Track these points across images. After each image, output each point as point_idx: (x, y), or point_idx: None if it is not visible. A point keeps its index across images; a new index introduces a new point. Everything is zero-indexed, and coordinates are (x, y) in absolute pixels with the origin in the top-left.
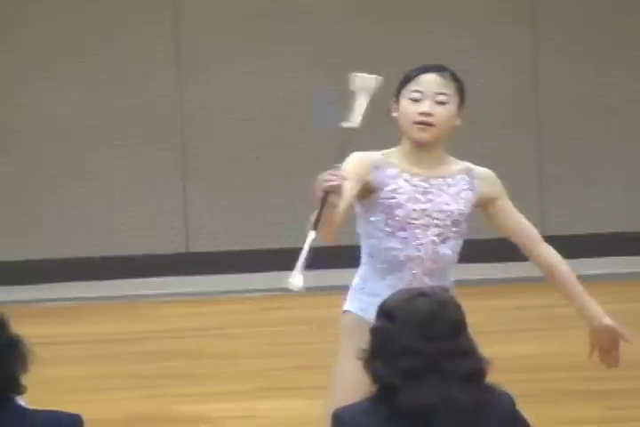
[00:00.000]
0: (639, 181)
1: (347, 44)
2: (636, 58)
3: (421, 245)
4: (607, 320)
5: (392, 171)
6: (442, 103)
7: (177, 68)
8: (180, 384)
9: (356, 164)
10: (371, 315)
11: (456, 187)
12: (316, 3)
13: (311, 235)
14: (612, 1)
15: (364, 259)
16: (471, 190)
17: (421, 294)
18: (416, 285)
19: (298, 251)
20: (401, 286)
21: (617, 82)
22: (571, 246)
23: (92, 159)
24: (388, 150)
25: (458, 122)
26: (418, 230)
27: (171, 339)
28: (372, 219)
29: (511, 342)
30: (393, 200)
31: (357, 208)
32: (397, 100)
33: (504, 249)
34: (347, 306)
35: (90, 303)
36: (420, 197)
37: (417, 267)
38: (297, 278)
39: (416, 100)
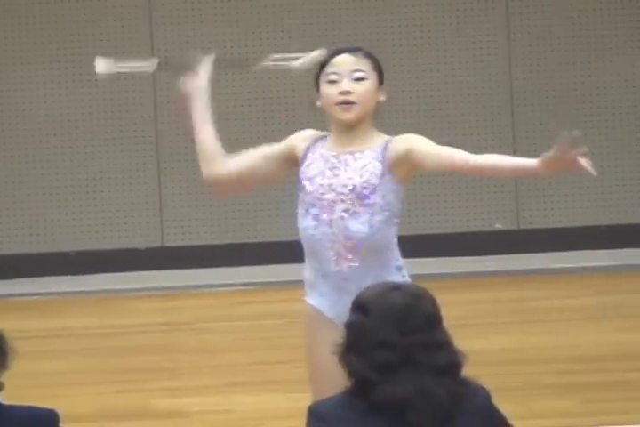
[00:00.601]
0: (614, 174)
1: (322, 33)
2: (610, 50)
3: (331, 221)
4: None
5: (315, 147)
6: (359, 79)
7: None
8: (155, 379)
9: (291, 139)
10: (316, 304)
11: (362, 160)
12: None
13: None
14: None
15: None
16: (380, 161)
17: (395, 287)
18: (341, 264)
19: (272, 245)
20: (325, 267)
21: (591, 74)
22: (547, 240)
23: (67, 154)
24: (325, 133)
25: (382, 97)
26: (326, 207)
27: (145, 333)
28: (299, 199)
29: (488, 335)
30: (305, 175)
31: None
32: (318, 89)
33: (479, 243)
34: (305, 295)
35: (65, 298)
36: (328, 172)
37: (335, 245)
38: (105, 64)
39: (334, 82)
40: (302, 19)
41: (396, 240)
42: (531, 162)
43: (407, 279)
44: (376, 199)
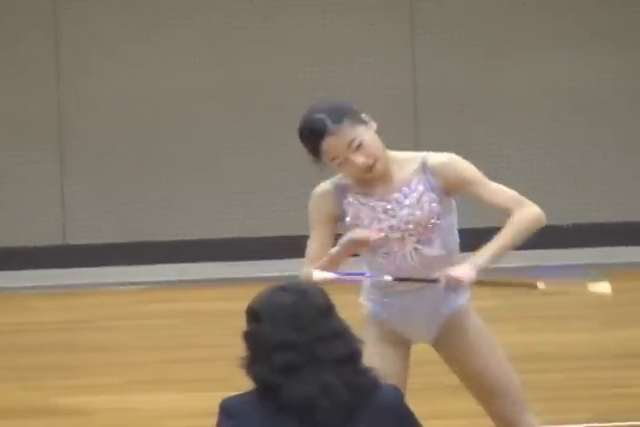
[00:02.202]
0: (533, 175)
1: (232, 36)
2: (515, 52)
3: (404, 255)
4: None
5: (348, 197)
6: (359, 145)
7: (55, 63)
8: (55, 376)
9: (316, 208)
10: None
11: (415, 193)
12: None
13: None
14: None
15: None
16: (432, 190)
17: (280, 289)
18: (412, 288)
19: (175, 244)
20: (394, 292)
21: (497, 76)
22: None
23: None
24: (340, 176)
25: (374, 127)
26: (395, 244)
27: (46, 331)
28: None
29: None
30: (357, 226)
31: None
32: (317, 159)
33: None
34: (362, 299)
35: None
36: (382, 216)
37: (413, 271)
38: (321, 274)
39: (342, 164)
40: (207, 21)
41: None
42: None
43: (465, 290)
44: (442, 223)
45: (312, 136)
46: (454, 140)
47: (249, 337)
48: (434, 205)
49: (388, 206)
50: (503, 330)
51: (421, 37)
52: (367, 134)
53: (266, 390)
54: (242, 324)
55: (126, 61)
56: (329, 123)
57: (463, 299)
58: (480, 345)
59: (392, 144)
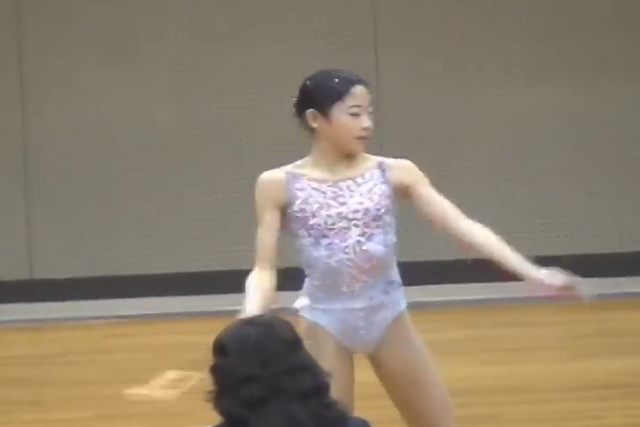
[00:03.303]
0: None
1: (192, 65)
2: (480, 81)
3: (347, 247)
4: (537, 274)
5: (300, 184)
6: (370, 114)
7: (20, 92)
8: (25, 411)
9: (264, 192)
10: (318, 321)
11: (368, 184)
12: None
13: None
14: (456, 26)
15: (306, 272)
16: (385, 183)
17: (247, 322)
18: (354, 285)
19: (143, 278)
20: (336, 289)
21: (460, 105)
22: (416, 273)
23: None
24: (298, 162)
25: None
26: (339, 234)
27: (15, 366)
28: (297, 233)
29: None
30: (306, 212)
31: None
32: (323, 114)
33: None
34: (301, 311)
35: None
36: (331, 202)
37: (351, 269)
38: (302, 301)
39: (356, 115)
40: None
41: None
42: (515, 262)
43: (403, 297)
44: (387, 219)
45: (348, 80)
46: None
47: (216, 371)
48: (384, 197)
49: (339, 192)
50: (469, 363)
51: (386, 69)
52: None
53: (233, 424)
54: (208, 357)
55: (92, 91)
56: (361, 79)
57: (403, 305)
58: (418, 356)
59: None
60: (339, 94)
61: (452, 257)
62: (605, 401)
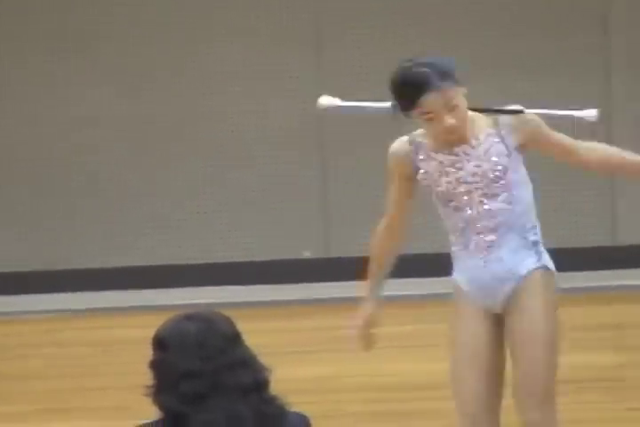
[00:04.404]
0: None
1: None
2: None
3: (471, 208)
4: None
5: (423, 153)
6: (454, 107)
7: None
8: None
9: (394, 165)
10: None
11: (483, 145)
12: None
13: (386, 105)
14: (397, 30)
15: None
16: (501, 142)
17: (186, 317)
18: (482, 246)
19: (82, 272)
20: (471, 248)
21: None
22: (356, 268)
23: None
24: (418, 131)
25: (465, 91)
26: (463, 197)
27: None
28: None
29: (299, 363)
30: (429, 180)
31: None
32: (405, 110)
33: (288, 271)
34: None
35: None
36: (449, 169)
37: (477, 228)
38: (330, 101)
39: (431, 120)
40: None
41: (534, 213)
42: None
43: (543, 255)
44: (510, 176)
45: (413, 89)
46: (362, 175)
47: (155, 366)
48: (501, 158)
49: (456, 159)
50: (416, 358)
51: (329, 70)
52: (461, 97)
53: (173, 419)
54: (150, 352)
55: (38, 99)
56: (434, 80)
57: (532, 264)
58: (532, 323)
59: (297, 173)
60: (410, 104)
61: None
62: None
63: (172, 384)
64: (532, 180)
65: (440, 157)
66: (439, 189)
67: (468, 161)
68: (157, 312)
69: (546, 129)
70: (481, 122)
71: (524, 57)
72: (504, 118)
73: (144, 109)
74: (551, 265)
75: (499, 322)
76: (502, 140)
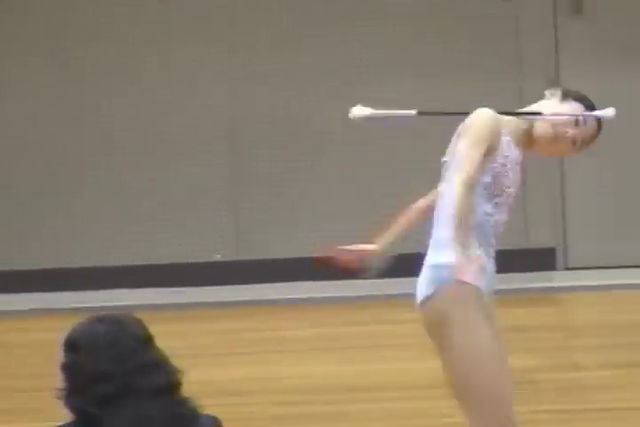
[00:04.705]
0: (325, 209)
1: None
2: (336, 85)
3: (504, 212)
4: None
5: (507, 138)
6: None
7: None
8: None
9: (492, 124)
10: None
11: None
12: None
13: (411, 112)
14: (303, 29)
15: None
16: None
17: (98, 319)
18: (486, 249)
19: (21, 273)
20: (482, 247)
21: (317, 109)
22: (266, 270)
23: None
24: (509, 118)
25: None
26: (507, 199)
27: None
28: (482, 180)
29: (210, 366)
30: (504, 167)
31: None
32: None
33: (200, 273)
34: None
35: None
36: (516, 167)
37: (495, 231)
38: (362, 111)
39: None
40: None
41: None
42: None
43: None
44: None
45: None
46: (272, 172)
47: (66, 368)
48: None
49: (520, 161)
50: (322, 361)
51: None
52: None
53: (85, 422)
54: (61, 354)
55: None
56: None
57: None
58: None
59: (207, 178)
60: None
61: (298, 255)
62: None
63: (83, 387)
64: None
65: (517, 152)
66: (504, 179)
67: (522, 170)
68: (68, 315)
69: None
70: None
71: (439, 59)
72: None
73: (139, 110)
74: None
75: None
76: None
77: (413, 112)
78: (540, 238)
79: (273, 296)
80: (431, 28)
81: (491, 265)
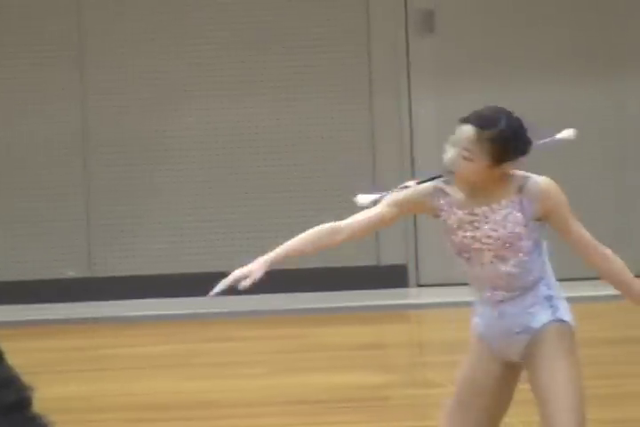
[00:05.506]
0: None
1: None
2: (186, 101)
3: (482, 264)
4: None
5: (443, 201)
6: (465, 158)
7: None
8: None
9: (409, 192)
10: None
11: (503, 211)
12: None
13: (411, 183)
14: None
15: None
16: (520, 212)
17: None
18: (494, 299)
19: None
20: (482, 293)
21: (169, 122)
22: (118, 288)
23: None
24: (446, 180)
25: (504, 169)
26: (475, 253)
27: None
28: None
29: (59, 383)
30: (447, 227)
31: None
32: None
33: (51, 290)
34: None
35: None
36: (467, 226)
37: (488, 283)
38: (367, 197)
39: (450, 146)
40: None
41: (548, 268)
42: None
43: (559, 308)
44: (523, 243)
45: (470, 115)
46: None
47: None
48: (518, 226)
49: (475, 218)
50: (173, 377)
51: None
52: (476, 167)
53: None
54: None
55: None
56: (485, 123)
57: (546, 318)
58: (552, 374)
59: (60, 188)
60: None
61: (149, 272)
62: (309, 416)
63: None
64: None
65: (459, 213)
66: (454, 238)
67: (486, 223)
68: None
69: (566, 211)
70: (509, 187)
71: (290, 75)
72: (530, 187)
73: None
74: (568, 317)
75: (514, 366)
76: (522, 209)
77: (412, 183)
78: (391, 256)
79: (124, 313)
80: (281, 44)
81: (498, 309)
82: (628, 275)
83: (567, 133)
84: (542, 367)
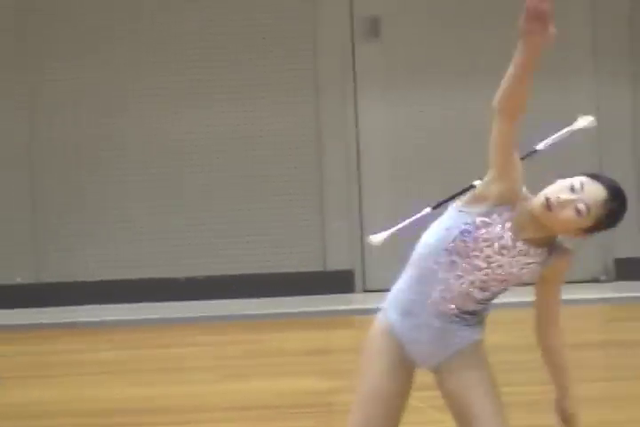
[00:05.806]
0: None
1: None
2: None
3: (462, 278)
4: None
5: (505, 209)
6: (577, 211)
7: None
8: None
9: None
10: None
11: (531, 258)
12: None
13: (426, 210)
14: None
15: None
16: (541, 265)
17: None
18: (434, 305)
19: None
20: (422, 298)
21: (118, 128)
22: (68, 293)
23: None
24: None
25: (587, 236)
26: (468, 266)
27: None
28: (444, 227)
29: (7, 389)
30: (481, 230)
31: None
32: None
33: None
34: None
35: None
36: (496, 244)
37: (446, 292)
38: (379, 236)
39: (572, 190)
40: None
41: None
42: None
43: (480, 332)
44: (512, 287)
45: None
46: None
47: None
48: (529, 277)
49: (508, 246)
50: (117, 383)
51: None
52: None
53: None
54: None
55: None
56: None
57: (478, 334)
58: (476, 387)
59: (6, 196)
60: None
61: (102, 277)
62: (256, 422)
63: None
64: None
65: (506, 234)
66: (470, 239)
67: (511, 257)
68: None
69: (566, 270)
70: (549, 242)
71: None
72: (560, 245)
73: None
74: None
75: (412, 370)
76: (544, 262)
77: (428, 209)
78: (337, 261)
79: (74, 319)
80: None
81: (436, 317)
82: (569, 367)
83: (585, 121)
84: (462, 378)
